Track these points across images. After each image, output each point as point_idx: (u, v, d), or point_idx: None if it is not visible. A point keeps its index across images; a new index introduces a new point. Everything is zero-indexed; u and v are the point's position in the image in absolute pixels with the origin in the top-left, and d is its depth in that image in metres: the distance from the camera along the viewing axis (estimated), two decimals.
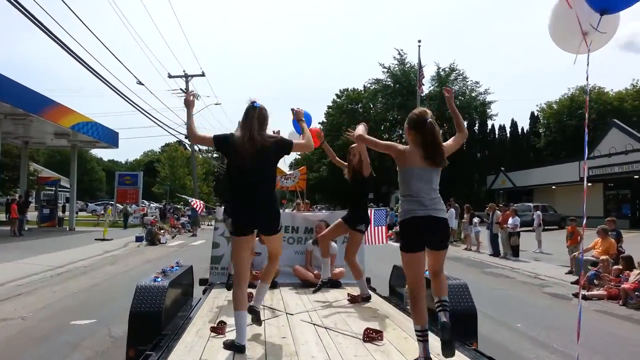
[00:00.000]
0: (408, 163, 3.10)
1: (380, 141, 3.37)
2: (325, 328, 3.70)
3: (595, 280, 9.69)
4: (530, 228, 18.99)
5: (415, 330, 2.96)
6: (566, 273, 11.80)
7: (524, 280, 11.35)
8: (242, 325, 3.11)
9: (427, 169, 3.10)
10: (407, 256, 3.05)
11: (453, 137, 3.48)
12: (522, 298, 9.11)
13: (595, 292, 9.21)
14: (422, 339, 2.90)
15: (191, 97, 3.68)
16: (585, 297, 9.10)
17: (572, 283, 10.49)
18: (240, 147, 3.25)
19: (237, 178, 3.34)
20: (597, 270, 9.70)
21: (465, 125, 3.57)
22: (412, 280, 3.05)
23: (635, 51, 79.78)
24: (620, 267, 9.21)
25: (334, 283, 5.60)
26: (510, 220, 15.19)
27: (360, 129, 3.58)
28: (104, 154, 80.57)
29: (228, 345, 3.06)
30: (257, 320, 3.46)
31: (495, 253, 16.05)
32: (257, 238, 5.13)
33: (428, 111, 3.22)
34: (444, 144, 3.22)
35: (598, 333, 6.55)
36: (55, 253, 14.25)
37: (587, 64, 3.84)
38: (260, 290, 3.63)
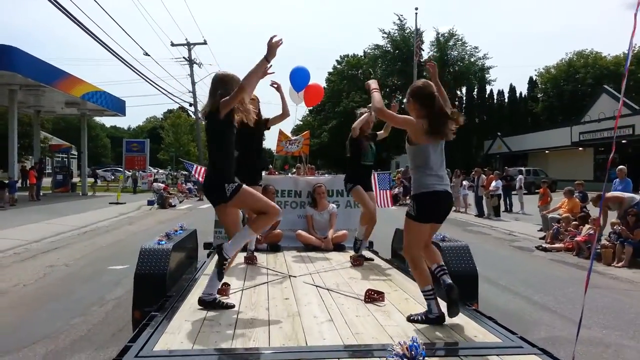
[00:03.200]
0: (426, 139, 3.06)
1: (398, 116, 3.25)
2: (328, 290, 3.80)
3: (559, 236, 11.04)
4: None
5: (424, 291, 3.04)
6: (538, 230, 13.12)
7: (498, 237, 12.73)
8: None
9: (439, 142, 3.13)
10: (420, 226, 3.08)
11: None
12: (489, 249, 10.45)
13: (555, 245, 10.57)
14: (432, 297, 3.00)
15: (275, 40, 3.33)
16: (545, 249, 10.49)
17: (540, 239, 11.84)
18: None
19: None
20: (559, 227, 11.03)
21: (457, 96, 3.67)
22: (416, 247, 3.12)
23: None
24: (577, 223, 10.52)
25: (337, 246, 5.87)
26: (492, 184, 16.46)
27: (378, 99, 3.29)
28: (107, 120, 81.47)
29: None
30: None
31: (480, 214, 17.39)
32: None
33: (431, 82, 3.21)
34: None
35: (539, 274, 8.03)
36: (76, 215, 15.62)
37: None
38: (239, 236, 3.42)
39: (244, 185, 3.38)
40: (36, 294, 6.49)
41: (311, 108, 53.07)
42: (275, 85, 5.09)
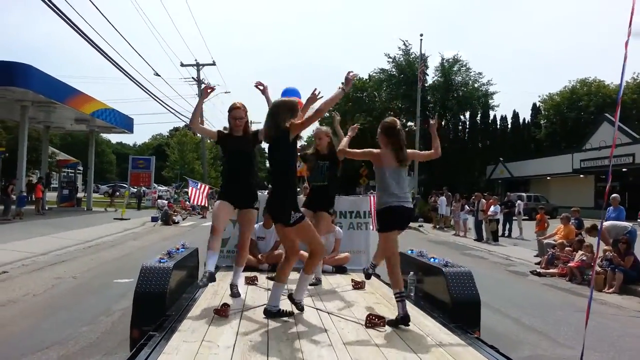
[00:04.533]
0: (383, 164, 3.73)
1: (358, 151, 3.99)
2: (328, 313, 3.78)
3: (555, 261, 11.26)
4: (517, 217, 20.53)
5: (395, 293, 3.55)
6: (534, 256, 13.34)
7: (495, 261, 12.95)
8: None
9: (397, 168, 3.74)
10: (383, 235, 3.76)
11: (427, 152, 4.29)
12: (485, 273, 10.61)
13: (550, 270, 10.80)
14: (401, 299, 3.47)
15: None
16: (540, 274, 10.72)
17: (535, 264, 12.06)
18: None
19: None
20: (554, 252, 11.26)
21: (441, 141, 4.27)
22: (389, 253, 3.74)
23: None
24: (571, 249, 10.77)
25: (338, 268, 5.89)
26: (491, 208, 16.73)
27: (343, 143, 4.16)
28: (113, 137, 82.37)
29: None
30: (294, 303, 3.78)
31: (479, 238, 17.60)
32: (261, 223, 5.96)
33: (397, 120, 3.88)
34: (417, 151, 4.17)
35: (531, 298, 8.30)
36: (81, 230, 15.97)
37: None
38: (301, 281, 3.82)
39: (306, 218, 3.73)
40: (46, 303, 6.80)
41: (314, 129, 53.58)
42: (262, 87, 4.84)
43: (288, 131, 3.57)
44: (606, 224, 10.02)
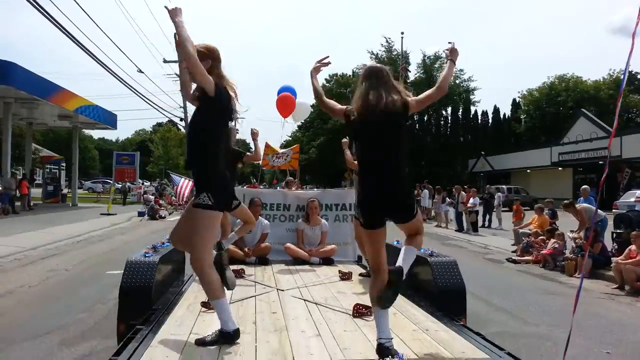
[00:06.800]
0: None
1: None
2: (316, 304, 3.79)
3: (530, 249, 11.80)
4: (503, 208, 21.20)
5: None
6: (511, 245, 13.88)
7: (474, 250, 13.48)
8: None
9: None
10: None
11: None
12: (463, 261, 10.81)
13: (525, 257, 11.33)
14: None
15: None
16: (515, 261, 11.25)
17: (512, 252, 12.59)
18: None
19: None
20: (529, 241, 11.80)
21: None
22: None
23: (628, 35, 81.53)
24: (545, 238, 11.31)
25: (325, 260, 5.93)
26: (471, 200, 17.28)
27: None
28: (95, 132, 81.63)
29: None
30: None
31: (460, 229, 18.16)
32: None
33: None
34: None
35: (504, 282, 8.81)
36: (69, 225, 16.12)
37: None
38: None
39: None
40: (42, 293, 7.08)
41: (300, 124, 53.90)
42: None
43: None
44: (583, 205, 10.69)
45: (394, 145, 2.88)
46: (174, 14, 2.88)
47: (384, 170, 2.84)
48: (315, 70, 3.43)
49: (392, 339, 2.71)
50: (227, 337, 2.82)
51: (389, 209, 2.87)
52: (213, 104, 2.96)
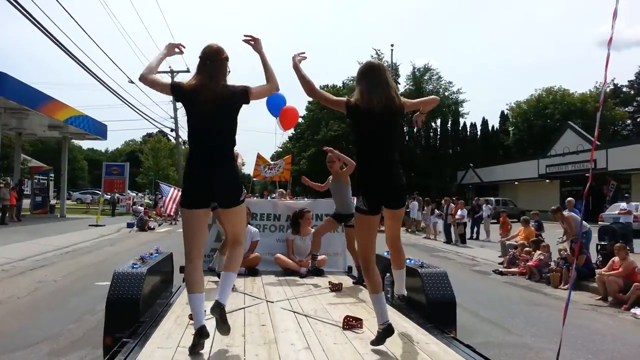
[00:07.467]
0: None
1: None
2: (305, 316, 3.74)
3: (516, 261, 11.96)
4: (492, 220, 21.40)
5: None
6: (498, 256, 14.05)
7: (461, 262, 13.62)
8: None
9: None
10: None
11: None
12: (450, 273, 11.11)
13: (511, 269, 11.49)
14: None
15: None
16: (501, 273, 11.40)
17: (499, 264, 12.75)
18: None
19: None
20: (515, 252, 11.97)
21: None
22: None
23: (616, 49, 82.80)
24: (530, 249, 11.48)
25: (315, 271, 5.83)
26: (458, 212, 17.47)
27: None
28: (85, 142, 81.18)
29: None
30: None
31: (448, 240, 18.32)
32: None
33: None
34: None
35: (490, 294, 8.94)
36: (57, 236, 16.03)
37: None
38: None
39: None
40: (31, 304, 7.09)
41: (291, 135, 54.10)
42: (252, 42, 3.40)
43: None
44: (569, 212, 10.96)
45: (393, 135, 3.19)
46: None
47: (386, 157, 3.16)
48: (298, 62, 3.45)
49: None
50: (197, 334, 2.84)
51: (390, 191, 3.20)
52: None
